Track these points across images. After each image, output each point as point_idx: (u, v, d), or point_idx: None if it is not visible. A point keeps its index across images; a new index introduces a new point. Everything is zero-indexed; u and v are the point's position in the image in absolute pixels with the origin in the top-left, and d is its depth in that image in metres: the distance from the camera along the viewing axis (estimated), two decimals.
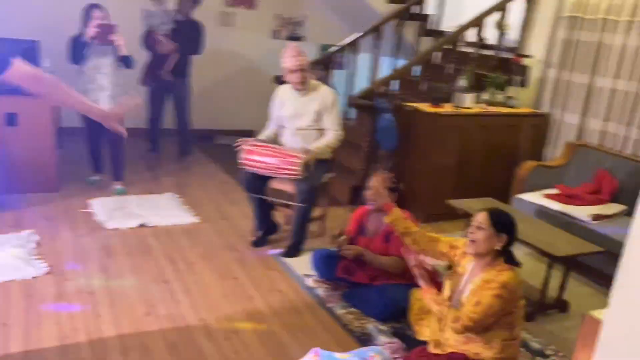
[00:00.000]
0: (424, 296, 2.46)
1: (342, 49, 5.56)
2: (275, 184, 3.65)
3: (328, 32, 6.68)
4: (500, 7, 4.85)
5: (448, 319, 2.30)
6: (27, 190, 4.24)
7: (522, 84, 4.75)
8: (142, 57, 5.18)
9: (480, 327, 2.23)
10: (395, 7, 5.67)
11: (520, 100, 4.77)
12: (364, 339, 2.75)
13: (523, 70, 4.75)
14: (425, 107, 4.38)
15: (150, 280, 3.19)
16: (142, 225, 3.90)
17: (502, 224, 2.31)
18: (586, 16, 4.40)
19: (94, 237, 3.68)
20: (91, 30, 4.14)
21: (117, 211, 4.07)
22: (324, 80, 4.76)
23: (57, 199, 4.23)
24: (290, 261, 3.57)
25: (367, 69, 5.52)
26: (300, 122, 3.63)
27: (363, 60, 5.58)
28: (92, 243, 3.60)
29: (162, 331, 2.69)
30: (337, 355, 2.29)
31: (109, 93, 4.26)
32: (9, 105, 4.08)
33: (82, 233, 3.73)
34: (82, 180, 4.64)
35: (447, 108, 4.42)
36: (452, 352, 2.34)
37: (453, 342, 2.35)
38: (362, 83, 5.36)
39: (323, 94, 3.64)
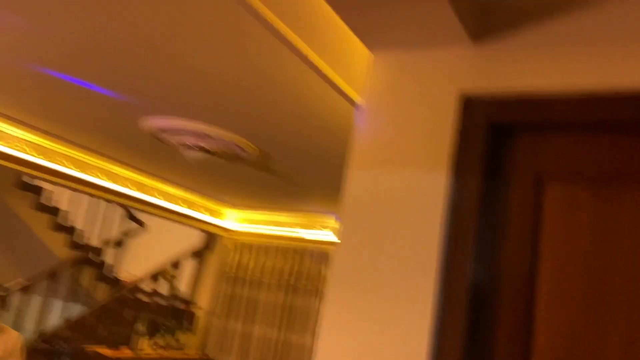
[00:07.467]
0: None
1: (8, 289, 5.34)
2: None
3: None
4: (174, 264, 5.70)
5: None
6: None
7: (190, 330, 5.43)
8: None
9: None
10: (74, 253, 5.94)
11: (190, 345, 5.37)
12: None
13: (191, 318, 5.47)
14: (106, 351, 4.56)
15: None
16: None
17: None
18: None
19: None
20: None
21: None
22: None
23: None
24: None
25: (37, 312, 5.38)
26: None
27: (34, 302, 5.44)
28: None
29: None
30: None
31: None
32: None
33: None
34: None
35: (126, 352, 4.68)
36: None
37: None
38: (30, 326, 5.17)
39: (7, 339, 3.53)
